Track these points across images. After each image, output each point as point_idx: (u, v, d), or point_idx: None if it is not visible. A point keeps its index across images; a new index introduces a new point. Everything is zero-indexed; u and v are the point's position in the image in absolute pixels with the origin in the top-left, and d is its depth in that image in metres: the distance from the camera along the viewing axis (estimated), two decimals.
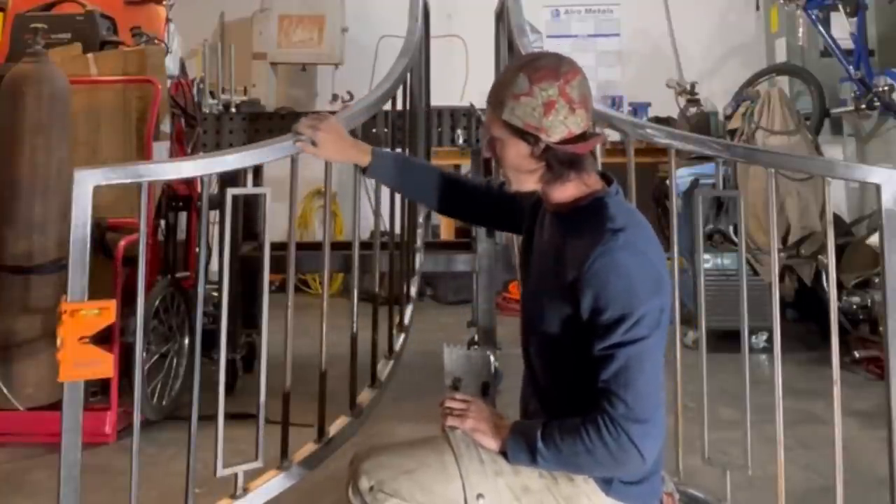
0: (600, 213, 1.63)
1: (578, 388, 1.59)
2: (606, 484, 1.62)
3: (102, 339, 1.81)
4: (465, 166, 5.85)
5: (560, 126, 1.63)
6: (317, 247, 3.46)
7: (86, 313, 1.74)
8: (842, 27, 5.36)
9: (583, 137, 1.65)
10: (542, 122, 1.62)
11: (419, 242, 3.72)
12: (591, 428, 1.53)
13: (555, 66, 1.64)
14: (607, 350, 1.54)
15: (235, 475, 2.03)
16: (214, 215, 3.88)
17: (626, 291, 1.55)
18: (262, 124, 3.93)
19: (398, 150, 3.30)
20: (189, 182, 3.96)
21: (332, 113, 2.68)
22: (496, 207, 2.01)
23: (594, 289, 1.56)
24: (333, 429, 2.34)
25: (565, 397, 1.64)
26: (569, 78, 1.63)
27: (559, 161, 1.64)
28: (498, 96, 1.66)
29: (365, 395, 2.54)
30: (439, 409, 1.72)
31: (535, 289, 1.72)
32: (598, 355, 1.55)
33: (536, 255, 1.77)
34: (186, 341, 3.63)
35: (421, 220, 3.85)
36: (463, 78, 6.50)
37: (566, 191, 1.69)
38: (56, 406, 1.93)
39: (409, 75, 3.24)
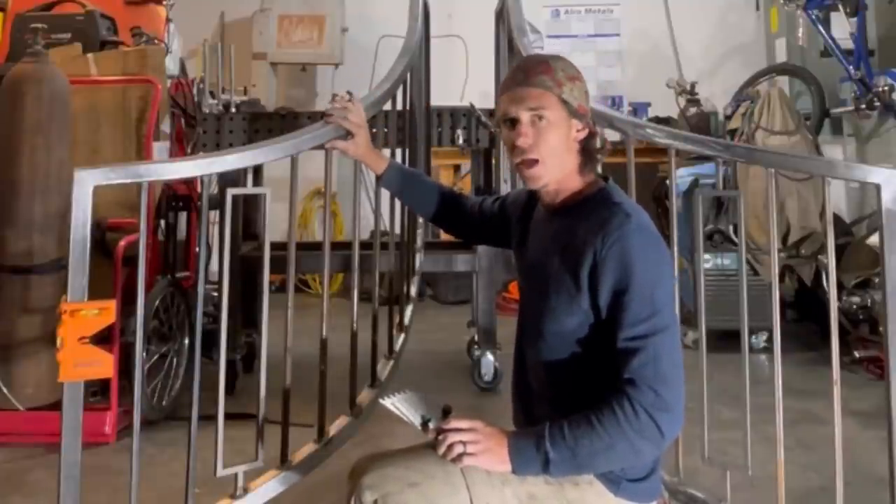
0: (608, 201, 1.67)
1: (596, 385, 1.58)
2: (614, 484, 1.61)
3: (102, 339, 1.81)
4: (466, 166, 5.86)
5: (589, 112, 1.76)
6: (317, 247, 3.46)
7: (86, 313, 1.74)
8: (842, 27, 5.35)
9: None
10: (587, 104, 1.74)
11: (419, 242, 3.72)
12: (609, 424, 1.51)
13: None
14: (633, 342, 1.54)
15: (235, 475, 2.03)
16: (214, 215, 3.88)
17: (646, 271, 1.56)
18: (262, 124, 3.93)
19: (398, 153, 3.32)
20: (189, 182, 3.97)
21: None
22: (487, 225, 2.08)
23: (614, 270, 1.56)
24: (333, 429, 2.34)
25: (582, 397, 1.59)
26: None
27: (595, 146, 1.72)
28: (554, 77, 1.69)
29: (365, 395, 2.54)
30: (438, 443, 1.58)
31: (542, 289, 1.69)
32: (623, 347, 1.55)
33: (538, 258, 1.76)
34: (186, 341, 3.63)
35: (421, 220, 3.85)
36: (463, 78, 6.50)
37: (578, 181, 1.72)
38: (56, 406, 1.93)
39: (409, 75, 3.24)
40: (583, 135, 1.71)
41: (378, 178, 2.17)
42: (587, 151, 1.72)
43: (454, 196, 2.16)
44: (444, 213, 2.14)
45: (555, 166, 1.70)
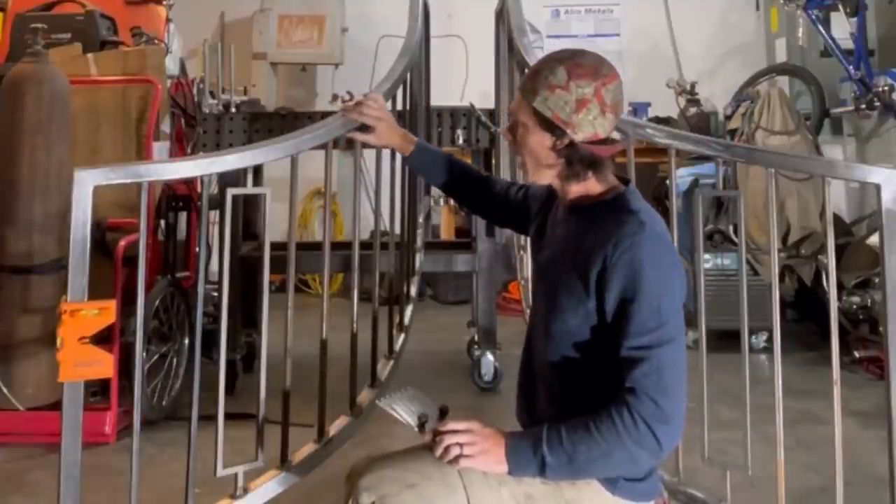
0: (624, 207, 1.65)
1: (598, 390, 1.57)
2: (611, 484, 1.61)
3: (102, 339, 1.81)
4: None
5: (588, 126, 1.64)
6: (317, 247, 3.46)
7: (86, 313, 1.74)
8: (842, 27, 5.35)
9: (605, 141, 1.67)
10: (571, 117, 1.63)
11: (419, 242, 3.72)
12: (607, 431, 1.50)
13: (596, 67, 1.66)
14: (637, 351, 1.53)
15: (235, 475, 2.04)
16: (214, 215, 3.88)
17: (656, 281, 1.55)
18: (262, 124, 3.93)
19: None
20: (189, 182, 3.97)
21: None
22: (510, 211, 2.06)
23: (623, 278, 1.55)
24: (333, 429, 2.34)
25: (584, 400, 1.59)
26: (606, 81, 1.65)
27: (579, 159, 1.66)
28: (533, 84, 1.67)
29: (365, 395, 2.54)
30: (435, 444, 1.58)
31: (551, 288, 1.69)
32: (627, 355, 1.53)
33: (551, 253, 1.75)
34: (186, 341, 3.63)
35: (421, 220, 3.85)
36: (463, 78, 6.49)
37: (583, 187, 1.70)
38: (56, 406, 1.94)
39: (409, 75, 3.24)
40: (560, 146, 1.66)
41: (404, 159, 2.19)
42: (573, 162, 1.66)
43: (480, 177, 2.15)
44: (474, 197, 2.13)
45: (533, 169, 1.72)
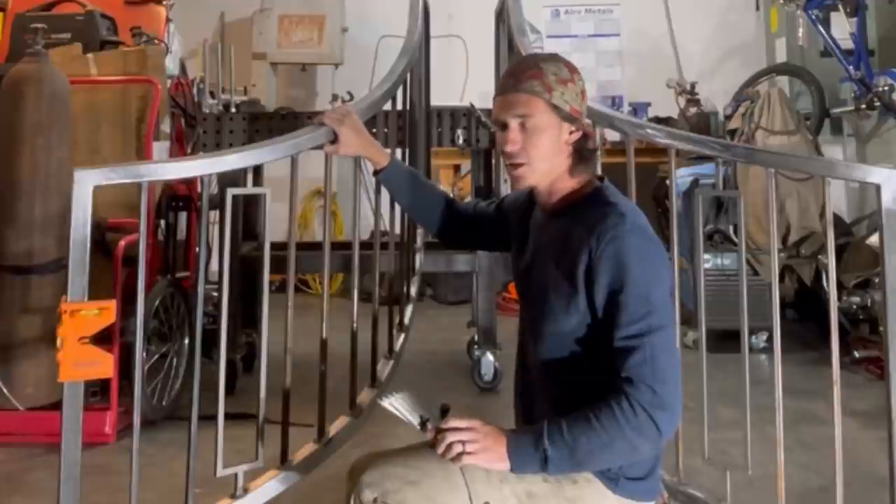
0: (602, 200, 1.68)
1: (595, 386, 1.58)
2: (612, 482, 1.61)
3: (102, 339, 1.81)
4: (466, 166, 5.86)
5: (586, 113, 1.77)
6: (317, 247, 3.46)
7: (86, 313, 1.74)
8: (842, 27, 5.35)
9: None
10: (581, 107, 1.73)
11: (419, 242, 3.72)
12: (607, 422, 1.51)
13: (571, 62, 1.77)
14: (629, 340, 1.54)
15: (235, 475, 2.04)
16: (214, 215, 3.88)
17: (641, 270, 1.57)
18: (262, 124, 3.93)
19: (398, 153, 3.32)
20: (189, 182, 3.97)
21: None
22: (483, 230, 2.06)
23: (609, 270, 1.57)
24: (333, 429, 2.34)
25: (582, 399, 1.58)
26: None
27: (588, 147, 1.72)
28: (544, 82, 1.68)
29: (365, 395, 2.54)
30: (437, 442, 1.58)
31: (540, 291, 1.70)
32: (620, 346, 1.55)
33: (536, 260, 1.76)
34: (186, 341, 3.63)
35: None
36: (463, 78, 6.50)
37: (571, 183, 1.72)
38: (56, 406, 1.94)
39: (409, 75, 3.24)
40: (575, 137, 1.70)
41: (375, 172, 2.11)
42: (580, 153, 1.71)
43: (456, 207, 2.10)
44: (447, 226, 2.08)
45: (543, 169, 1.71)
